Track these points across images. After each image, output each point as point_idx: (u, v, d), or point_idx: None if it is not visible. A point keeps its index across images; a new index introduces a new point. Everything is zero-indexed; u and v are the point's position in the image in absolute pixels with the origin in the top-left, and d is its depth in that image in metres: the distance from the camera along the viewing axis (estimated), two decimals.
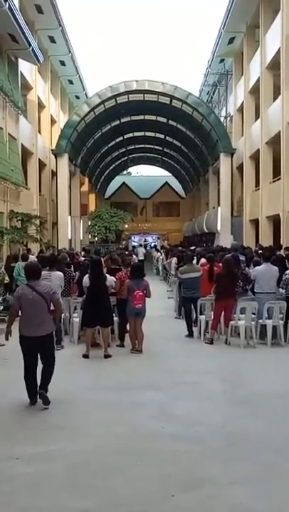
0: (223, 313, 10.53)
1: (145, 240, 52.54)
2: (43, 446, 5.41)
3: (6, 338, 6.88)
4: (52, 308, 6.76)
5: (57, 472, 4.84)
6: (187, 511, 4.19)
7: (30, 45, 21.18)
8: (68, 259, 12.98)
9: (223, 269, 10.92)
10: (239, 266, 11.35)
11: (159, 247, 35.54)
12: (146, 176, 59.19)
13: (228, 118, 33.07)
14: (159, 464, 4.99)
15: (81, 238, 32.67)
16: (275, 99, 22.72)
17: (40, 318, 6.59)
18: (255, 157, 26.26)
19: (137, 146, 44.65)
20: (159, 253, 27.76)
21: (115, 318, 10.55)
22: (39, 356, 6.81)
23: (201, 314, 11.12)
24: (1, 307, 12.39)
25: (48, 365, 6.82)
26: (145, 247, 42.51)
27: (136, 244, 46.26)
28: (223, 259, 11.38)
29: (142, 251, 31.98)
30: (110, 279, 10.16)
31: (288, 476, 4.75)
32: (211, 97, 38.23)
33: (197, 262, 13.20)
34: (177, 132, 35.50)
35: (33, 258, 14.07)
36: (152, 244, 48.20)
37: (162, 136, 39.61)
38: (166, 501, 4.29)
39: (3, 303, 12.39)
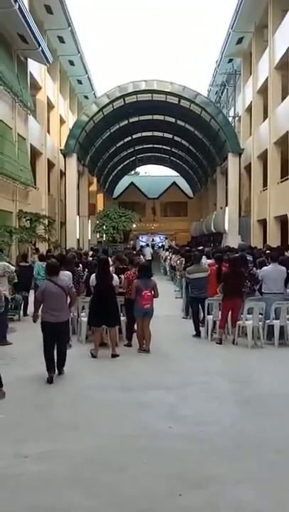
0: (230, 313, 10.54)
1: (153, 240, 52.57)
2: (49, 445, 5.46)
3: (34, 321, 8.19)
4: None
5: (63, 470, 4.88)
6: (193, 510, 4.21)
7: (39, 45, 21.29)
8: (76, 258, 13.04)
9: (229, 268, 10.93)
10: (247, 266, 11.36)
11: (167, 247, 35.51)
12: (154, 175, 59.26)
13: (237, 118, 33.04)
14: (166, 463, 5.02)
15: (89, 238, 32.78)
16: (283, 99, 22.69)
17: (61, 306, 7.95)
18: (263, 157, 26.22)
19: (145, 146, 44.71)
20: (167, 252, 27.75)
21: (122, 318, 10.58)
22: (56, 338, 7.99)
23: (208, 314, 11.14)
24: (11, 305, 12.43)
25: (63, 348, 8.20)
26: (153, 247, 42.52)
27: (143, 244, 46.29)
28: (229, 259, 11.39)
29: (149, 251, 32.00)
30: (117, 279, 10.19)
31: None
32: (220, 97, 38.18)
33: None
34: (185, 132, 35.51)
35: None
36: (160, 244, 48.19)
37: (170, 136, 39.63)
38: (172, 500, 4.32)
39: (12, 302, 12.45)
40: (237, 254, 11.97)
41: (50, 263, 8.50)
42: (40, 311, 8.08)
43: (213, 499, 4.35)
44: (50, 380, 7.70)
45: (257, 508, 4.21)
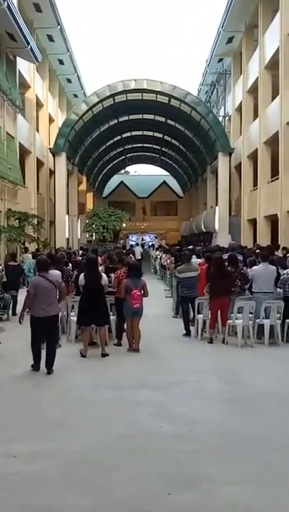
0: (219, 312, 10.53)
1: (143, 239, 52.56)
2: (41, 444, 5.40)
3: (20, 322, 8.29)
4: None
5: (55, 470, 4.82)
6: (184, 509, 4.18)
7: (28, 43, 21.19)
8: (66, 258, 12.97)
9: (213, 267, 10.93)
10: (237, 265, 11.35)
11: (157, 247, 35.52)
12: (144, 175, 59.26)
13: (227, 117, 33.12)
14: (157, 463, 4.99)
15: (79, 237, 32.67)
16: (273, 98, 22.75)
17: (51, 300, 8.15)
18: (254, 157, 26.29)
19: (135, 145, 44.66)
20: (158, 252, 27.75)
21: (112, 317, 10.53)
22: (45, 334, 8.21)
23: (198, 313, 11.11)
24: (0, 305, 12.35)
25: (52, 343, 8.27)
26: (143, 246, 42.50)
27: (133, 243, 46.25)
28: (212, 258, 11.38)
29: (139, 250, 31.96)
30: (106, 278, 10.14)
31: (286, 475, 4.74)
32: (210, 97, 38.26)
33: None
34: (175, 131, 35.51)
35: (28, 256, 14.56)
36: (150, 244, 48.18)
37: (160, 136, 39.62)
38: (163, 499, 4.29)
39: (1, 301, 12.36)
40: (221, 254, 11.93)
41: (40, 259, 8.80)
42: (27, 309, 8.29)
43: (205, 498, 4.31)
44: (36, 368, 8.10)
45: (250, 507, 4.18)
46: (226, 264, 11.26)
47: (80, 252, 21.10)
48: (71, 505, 4.21)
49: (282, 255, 14.71)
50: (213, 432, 5.76)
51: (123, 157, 47.52)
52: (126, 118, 34.67)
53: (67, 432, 5.79)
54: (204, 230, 31.86)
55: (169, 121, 34.19)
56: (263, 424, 6.03)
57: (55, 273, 9.89)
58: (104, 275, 10.17)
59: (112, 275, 10.69)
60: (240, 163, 28.53)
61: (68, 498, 4.31)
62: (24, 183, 24.37)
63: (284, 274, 10.66)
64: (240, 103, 28.95)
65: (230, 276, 10.81)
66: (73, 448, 5.34)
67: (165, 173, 52.55)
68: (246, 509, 4.16)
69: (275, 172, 22.51)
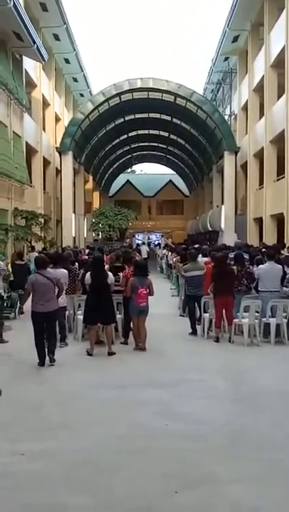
0: (224, 311, 10.55)
1: (149, 238, 52.54)
2: (44, 444, 5.42)
3: (21, 313, 9.60)
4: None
5: (58, 469, 4.84)
6: (188, 509, 4.19)
7: (34, 42, 21.20)
8: (73, 256, 13.02)
9: (214, 267, 10.95)
10: (243, 264, 11.36)
11: (163, 245, 35.48)
12: (150, 174, 59.22)
13: (233, 116, 33.04)
14: (161, 462, 5.00)
15: (85, 236, 32.72)
16: (279, 97, 22.69)
17: (49, 296, 8.55)
18: (260, 155, 26.24)
19: (141, 144, 44.64)
20: (165, 251, 27.71)
21: (119, 316, 10.56)
22: (45, 327, 8.59)
23: (204, 312, 11.13)
24: (7, 304, 12.39)
25: (52, 335, 8.76)
26: (149, 245, 42.48)
27: (139, 242, 46.25)
28: (214, 257, 11.40)
29: (145, 249, 31.97)
30: (112, 277, 10.17)
31: None
32: (216, 95, 38.19)
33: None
34: (181, 130, 35.49)
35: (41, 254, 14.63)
36: (156, 243, 48.15)
37: (166, 134, 39.60)
38: (167, 498, 4.30)
39: (8, 300, 12.40)
40: (224, 253, 11.95)
41: (38, 257, 9.33)
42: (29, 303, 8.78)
43: (209, 498, 4.33)
44: (41, 363, 8.48)
45: (254, 506, 4.19)
46: (230, 262, 11.28)
47: (87, 250, 21.15)
48: (73, 505, 4.23)
49: (288, 254, 14.69)
50: (218, 431, 5.77)
51: (129, 156, 47.52)
52: (132, 117, 34.68)
53: (72, 431, 5.81)
54: (210, 229, 31.84)
55: (174, 120, 34.17)
56: (268, 423, 6.04)
57: (61, 271, 10.00)
58: (110, 274, 10.20)
59: (121, 274, 10.73)
60: (246, 161, 28.47)
61: (70, 498, 4.33)
62: (31, 182, 24.42)
63: None
64: (246, 102, 28.87)
65: (233, 275, 10.82)
66: (76, 447, 5.36)
67: (171, 172, 52.50)
68: (250, 508, 4.17)
69: (281, 171, 22.45)
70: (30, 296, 8.64)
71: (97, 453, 5.22)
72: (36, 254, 16.60)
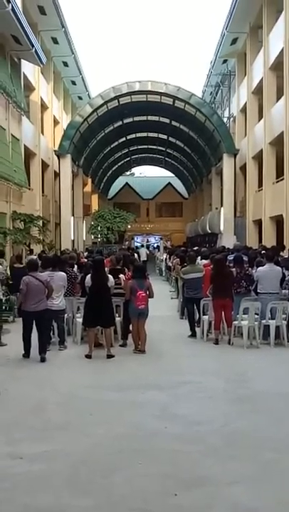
0: (223, 313, 10.53)
1: (148, 241, 52.49)
2: (44, 445, 5.41)
3: (19, 315, 10.27)
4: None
5: (58, 471, 4.84)
6: (187, 510, 4.18)
7: (33, 46, 21.20)
8: (75, 259, 13.05)
9: (213, 269, 10.94)
10: (243, 266, 11.34)
11: (162, 248, 35.46)
12: (149, 176, 59.23)
13: (231, 118, 33.06)
14: (160, 463, 4.99)
15: (84, 239, 32.69)
16: (278, 99, 22.70)
17: (40, 297, 9.17)
18: (259, 158, 26.24)
19: (139, 147, 44.65)
20: (165, 254, 27.70)
21: (118, 319, 10.54)
22: (36, 326, 9.27)
23: (204, 315, 11.11)
24: (5, 307, 12.36)
25: (43, 334, 9.31)
26: (148, 247, 42.44)
27: (138, 244, 46.22)
28: (213, 260, 11.39)
29: (144, 251, 31.94)
30: (112, 280, 10.16)
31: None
32: (214, 98, 38.20)
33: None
34: (180, 133, 35.49)
35: (34, 257, 14.67)
36: (155, 245, 48.11)
37: (165, 137, 39.60)
38: (166, 500, 4.29)
39: (7, 303, 12.37)
40: (222, 255, 11.95)
41: (30, 261, 10.30)
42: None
43: (208, 499, 4.31)
44: (26, 355, 9.21)
45: (252, 507, 4.18)
46: (229, 265, 11.27)
47: (86, 253, 21.12)
48: (74, 506, 4.22)
49: (287, 256, 14.67)
50: (217, 433, 5.76)
51: (128, 159, 47.51)
52: (130, 120, 34.66)
53: (72, 433, 5.80)
54: (209, 231, 31.81)
55: (173, 123, 34.16)
56: (266, 424, 6.03)
57: (60, 274, 10.00)
58: (110, 277, 10.18)
59: (122, 277, 10.71)
60: (245, 164, 28.48)
61: (70, 499, 4.32)
62: (29, 185, 24.41)
63: None
64: (245, 104, 28.88)
65: (232, 277, 10.82)
66: (75, 449, 5.35)
67: (170, 174, 52.50)
68: (249, 509, 4.17)
69: (280, 173, 22.45)
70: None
71: (96, 454, 5.22)
72: (34, 257, 16.57)
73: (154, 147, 44.58)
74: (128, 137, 39.61)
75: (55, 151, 29.02)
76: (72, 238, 28.71)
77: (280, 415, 6.38)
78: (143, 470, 4.85)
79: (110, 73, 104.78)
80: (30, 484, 4.58)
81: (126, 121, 34.51)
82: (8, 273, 13.63)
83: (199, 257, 13.80)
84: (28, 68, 24.85)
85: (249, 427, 5.95)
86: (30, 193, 24.66)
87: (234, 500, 4.28)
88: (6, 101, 20.60)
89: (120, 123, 34.50)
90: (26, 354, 9.22)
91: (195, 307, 11.41)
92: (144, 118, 34.69)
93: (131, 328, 10.19)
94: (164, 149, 44.06)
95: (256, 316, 10.46)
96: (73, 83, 35.97)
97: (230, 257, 13.43)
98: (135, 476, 4.73)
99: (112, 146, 39.07)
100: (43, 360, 8.96)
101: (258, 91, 26.04)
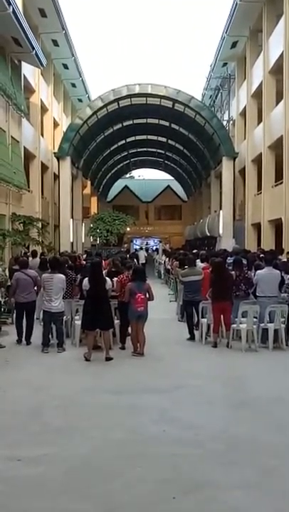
0: (222, 316, 10.53)
1: (147, 244, 52.51)
2: (42, 449, 5.39)
3: (11, 310, 11.97)
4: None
5: (56, 475, 4.82)
6: None
7: (33, 48, 21.23)
8: (70, 262, 12.98)
9: (212, 272, 10.94)
10: (242, 269, 11.34)
11: (161, 251, 35.47)
12: (148, 179, 59.23)
13: (231, 122, 33.09)
14: (159, 468, 4.97)
15: (83, 241, 32.68)
16: (277, 103, 22.73)
17: (29, 290, 10.67)
18: (258, 161, 26.27)
19: (139, 150, 44.66)
20: (164, 257, 27.68)
21: (116, 321, 10.53)
22: (25, 316, 10.72)
23: (202, 317, 11.11)
24: (4, 309, 12.34)
25: (30, 322, 10.79)
26: (147, 250, 42.44)
27: (137, 247, 46.20)
28: (212, 263, 11.39)
29: (143, 254, 31.92)
30: (110, 282, 10.16)
31: (287, 481, 4.72)
32: (214, 101, 38.26)
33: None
34: (179, 136, 35.51)
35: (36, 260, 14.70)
36: (154, 248, 48.11)
37: (164, 140, 39.62)
38: (165, 504, 4.27)
39: (5, 306, 12.34)
40: (221, 259, 11.95)
41: (21, 260, 11.61)
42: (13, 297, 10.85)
43: (207, 504, 4.30)
44: (19, 341, 10.66)
45: None
46: (228, 268, 11.26)
47: (85, 256, 21.10)
48: (72, 510, 4.20)
49: (286, 260, 14.68)
50: (215, 437, 5.74)
51: (127, 161, 47.52)
52: (130, 122, 34.69)
53: (70, 437, 5.78)
54: (208, 234, 31.82)
55: (173, 126, 34.17)
56: (265, 429, 6.01)
57: (59, 276, 10.01)
58: (108, 279, 10.18)
59: (115, 279, 10.71)
60: (244, 167, 28.51)
61: (68, 503, 4.30)
62: (29, 187, 24.40)
63: None
64: (245, 107, 28.92)
65: (231, 280, 10.81)
66: (74, 453, 5.33)
67: (169, 177, 52.50)
68: None
69: (279, 176, 22.46)
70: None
71: (95, 458, 5.20)
72: (37, 259, 16.50)
73: (154, 150, 44.61)
74: (128, 140, 39.64)
75: (54, 153, 29.03)
76: (72, 240, 28.70)
77: (279, 420, 6.35)
78: (142, 474, 4.83)
79: (110, 76, 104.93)
80: (27, 488, 4.56)
81: (125, 123, 34.54)
82: (7, 275, 13.60)
83: (198, 260, 13.79)
84: (28, 70, 24.87)
85: (248, 431, 5.93)
86: (30, 195, 24.66)
87: (233, 505, 4.26)
88: (6, 103, 20.62)
89: (120, 125, 34.51)
90: (19, 339, 10.66)
91: (194, 310, 11.41)
92: (143, 121, 34.72)
93: (130, 330, 10.19)
94: (163, 152, 44.09)
95: (255, 320, 10.45)
96: (73, 85, 36.00)
97: (230, 260, 13.45)
98: (134, 480, 4.71)
99: (111, 148, 39.10)
100: (28, 344, 10.55)
101: (258, 94, 26.07)
